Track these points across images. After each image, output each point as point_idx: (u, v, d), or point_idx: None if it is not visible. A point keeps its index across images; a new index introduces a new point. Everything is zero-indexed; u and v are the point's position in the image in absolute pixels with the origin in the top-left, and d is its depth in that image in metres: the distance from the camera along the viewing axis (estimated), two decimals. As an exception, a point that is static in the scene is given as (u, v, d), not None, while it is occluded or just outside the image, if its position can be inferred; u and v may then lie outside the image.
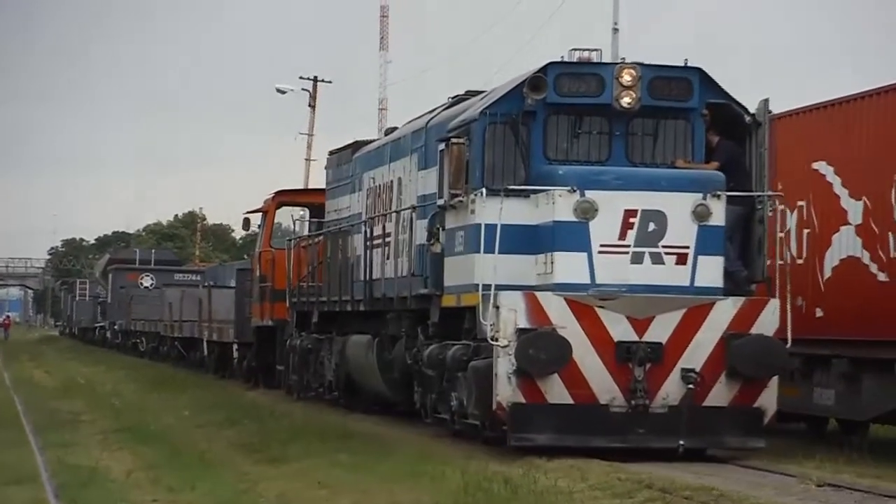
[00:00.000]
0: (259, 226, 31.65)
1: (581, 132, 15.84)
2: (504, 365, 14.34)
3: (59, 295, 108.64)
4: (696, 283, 14.70)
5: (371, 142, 24.52)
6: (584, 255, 14.57)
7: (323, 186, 27.64)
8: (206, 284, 44.25)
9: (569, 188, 14.58)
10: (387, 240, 20.92)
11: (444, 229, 17.59)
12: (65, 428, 23.16)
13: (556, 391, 14.41)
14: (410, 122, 22.06)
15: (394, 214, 20.53)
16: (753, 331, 14.58)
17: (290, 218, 30.66)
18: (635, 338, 14.43)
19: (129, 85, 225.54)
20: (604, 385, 14.38)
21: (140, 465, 17.06)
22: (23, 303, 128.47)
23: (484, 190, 15.25)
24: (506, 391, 14.35)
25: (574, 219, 14.53)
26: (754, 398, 14.69)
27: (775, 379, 14.84)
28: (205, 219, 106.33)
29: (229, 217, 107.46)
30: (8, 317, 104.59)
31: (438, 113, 19.89)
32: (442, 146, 16.96)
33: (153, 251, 76.88)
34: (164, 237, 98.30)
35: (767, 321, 14.66)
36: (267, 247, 30.53)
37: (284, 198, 31.31)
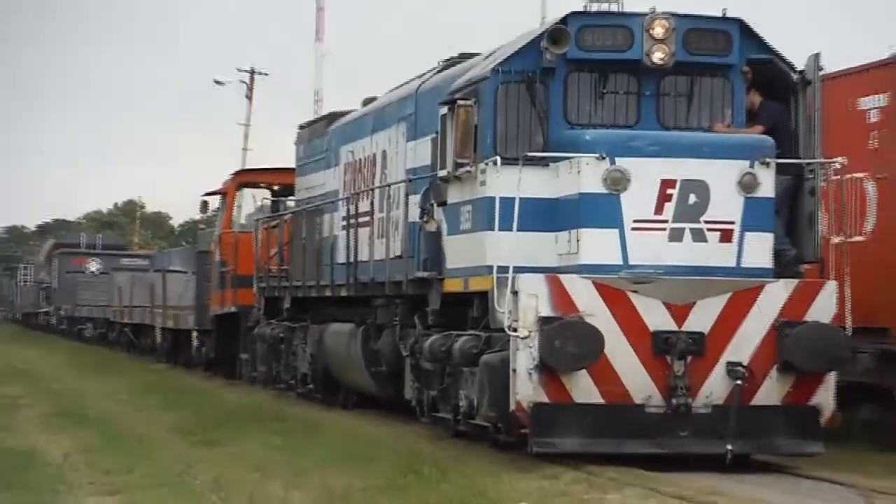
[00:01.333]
0: (218, 208, 31.40)
1: (606, 92, 14.29)
2: (524, 359, 12.77)
3: (1, 281, 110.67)
4: (743, 264, 13.24)
5: (348, 112, 22.85)
6: (616, 231, 13.02)
7: (285, 166, 27.41)
8: (157, 269, 43.17)
9: (597, 155, 12.99)
10: (371, 218, 19.01)
11: (442, 204, 15.92)
12: (2, 412, 23.50)
13: (584, 389, 12.86)
14: (395, 89, 20.60)
15: (378, 190, 18.89)
16: (808, 317, 13.10)
17: (252, 199, 29.93)
18: (674, 327, 12.94)
19: (65, 76, 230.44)
20: (638, 382, 12.86)
21: (78, 449, 17.41)
22: None
23: (498, 158, 13.65)
24: (526, 389, 12.77)
25: (603, 190, 13.01)
26: (810, 395, 13.21)
27: (833, 374, 13.34)
28: (143, 207, 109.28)
29: (167, 205, 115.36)
30: None
31: (429, 77, 18.52)
32: (444, 110, 15.36)
33: (99, 236, 76.94)
34: (104, 225, 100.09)
35: (824, 306, 13.18)
36: (228, 229, 29.94)
37: (245, 178, 30.84)
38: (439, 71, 18.49)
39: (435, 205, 16.59)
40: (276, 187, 29.24)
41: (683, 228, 13.05)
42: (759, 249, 13.28)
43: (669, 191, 13.04)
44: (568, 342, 12.55)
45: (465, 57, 17.98)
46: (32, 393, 29.02)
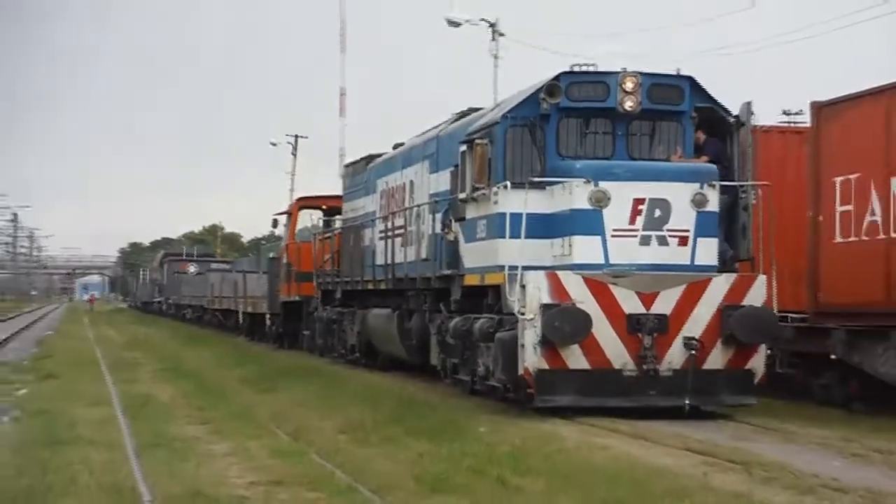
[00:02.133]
0: (285, 224, 33.55)
1: (588, 132, 15.58)
2: (530, 336, 14.06)
3: (127, 279, 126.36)
4: (696, 262, 14.39)
5: (382, 154, 24.37)
6: (599, 238, 14.24)
7: (330, 194, 30.42)
8: (238, 270, 47.19)
9: (585, 179, 14.22)
10: (398, 231, 20.98)
11: (461, 220, 17.42)
12: (128, 369, 26.25)
13: (576, 358, 14.10)
14: (419, 135, 22.10)
15: (407, 210, 20.63)
16: (745, 303, 14.20)
17: (309, 218, 31.79)
18: (643, 310, 14.11)
19: (168, 129, 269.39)
20: (617, 352, 14.09)
21: (179, 394, 19.86)
22: (102, 285, 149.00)
23: (508, 183, 14.95)
24: (532, 359, 14.07)
25: (589, 207, 14.20)
26: (746, 361, 14.36)
27: (764, 345, 14.39)
28: (223, 229, 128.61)
29: (240, 228, 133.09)
30: (92, 295, 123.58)
31: (447, 126, 20.26)
32: (464, 148, 16.77)
33: (195, 248, 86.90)
34: (196, 241, 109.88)
35: (757, 294, 14.35)
36: (292, 240, 32.60)
37: (305, 202, 33.55)
38: (454, 121, 19.91)
39: (453, 220, 18.43)
40: (324, 208, 31.47)
41: (651, 235, 14.23)
42: (708, 251, 14.43)
43: (640, 207, 14.18)
44: (565, 323, 13.79)
45: (473, 110, 19.47)
46: (148, 356, 31.55)
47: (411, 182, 21.37)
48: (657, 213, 14.25)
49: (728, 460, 11.18)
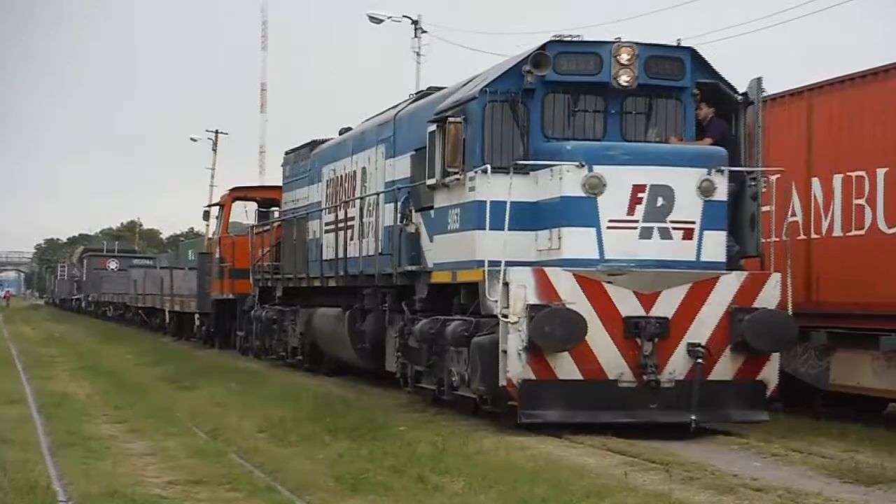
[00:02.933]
0: (217, 217, 30.48)
1: (578, 110, 12.93)
2: (514, 341, 11.55)
3: (44, 276, 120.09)
4: (702, 258, 12.03)
5: (328, 140, 21.51)
6: (593, 230, 11.79)
7: (266, 184, 29.63)
8: (163, 266, 44.71)
9: (577, 163, 11.77)
10: (349, 223, 18.22)
11: (424, 210, 14.75)
12: (44, 366, 25.57)
13: (566, 367, 11.63)
14: (372, 117, 19.31)
15: (360, 200, 17.74)
16: (756, 304, 11.91)
17: (243, 210, 29.13)
18: (642, 313, 11.71)
19: (76, 124, 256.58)
20: (612, 360, 11.66)
21: (96, 391, 19.25)
22: (17, 282, 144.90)
23: (489, 167, 12.35)
24: (516, 368, 11.54)
25: (582, 194, 11.77)
26: (757, 371, 12.05)
27: (777, 353, 12.10)
28: (141, 225, 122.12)
29: (158, 225, 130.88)
30: (8, 291, 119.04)
31: (405, 106, 17.40)
32: (432, 128, 14.02)
33: (116, 243, 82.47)
34: (115, 237, 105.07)
35: (770, 295, 11.99)
36: (225, 233, 29.72)
37: (238, 193, 30.60)
38: (413, 101, 17.46)
39: (413, 210, 15.74)
40: (259, 199, 29.01)
41: (652, 227, 11.84)
42: (715, 246, 12.13)
43: (640, 194, 11.83)
44: (556, 327, 11.39)
45: (435, 89, 17.06)
46: (65, 353, 30.49)
47: (363, 169, 18.50)
48: (660, 201, 11.84)
49: (648, 460, 10.43)
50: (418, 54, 38.45)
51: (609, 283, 11.80)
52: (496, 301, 11.93)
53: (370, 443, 11.63)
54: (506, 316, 11.58)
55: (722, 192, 12.21)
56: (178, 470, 10.96)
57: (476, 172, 12.83)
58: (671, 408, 11.73)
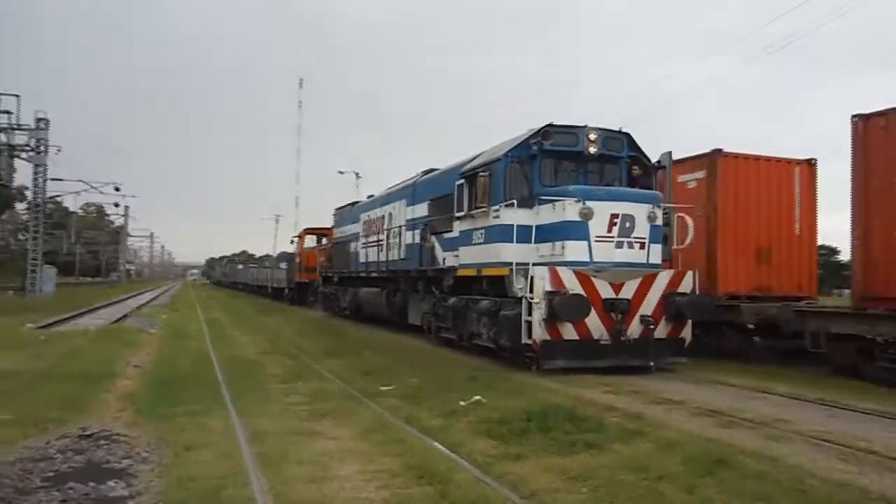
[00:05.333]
0: (297, 242, 41.80)
1: (561, 168, 14.32)
2: (537, 315, 12.46)
3: (208, 272, 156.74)
4: (650, 261, 13.37)
5: (360, 201, 27.89)
6: (586, 242, 12.96)
7: (320, 227, 38.06)
8: (267, 266, 63.18)
9: (576, 199, 12.97)
10: (378, 243, 23.23)
11: (439, 233, 16.97)
12: (207, 308, 37.86)
13: (569, 332, 12.62)
14: (393, 186, 22.66)
15: (389, 230, 21.65)
16: (680, 290, 13.49)
17: (310, 239, 40.45)
18: (614, 295, 12.90)
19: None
20: (597, 327, 12.82)
21: (228, 318, 30.86)
22: (198, 273, 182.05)
23: (515, 202, 13.43)
24: (538, 332, 12.47)
25: (579, 219, 12.92)
26: (680, 332, 13.50)
27: (690, 320, 13.69)
28: (247, 251, 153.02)
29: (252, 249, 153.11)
30: (195, 277, 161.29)
31: (418, 178, 19.81)
32: (461, 181, 15.31)
33: (240, 258, 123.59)
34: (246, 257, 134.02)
35: (687, 283, 13.57)
36: (302, 250, 39.69)
37: (308, 231, 40.39)
38: (423, 175, 19.92)
39: (429, 234, 17.20)
40: (317, 234, 39.39)
41: (623, 241, 13.11)
42: (656, 253, 13.40)
43: (615, 220, 12.97)
44: (575, 306, 12.57)
45: (432, 170, 19.57)
46: (214, 303, 46.41)
47: (390, 214, 21.17)
48: (627, 224, 12.99)
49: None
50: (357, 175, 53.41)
51: (595, 276, 12.63)
52: (521, 288, 12.62)
53: (342, 337, 20.00)
54: (531, 299, 12.55)
55: (659, 220, 13.31)
56: (259, 346, 17.95)
57: (501, 206, 13.48)
58: (634, 356, 12.96)
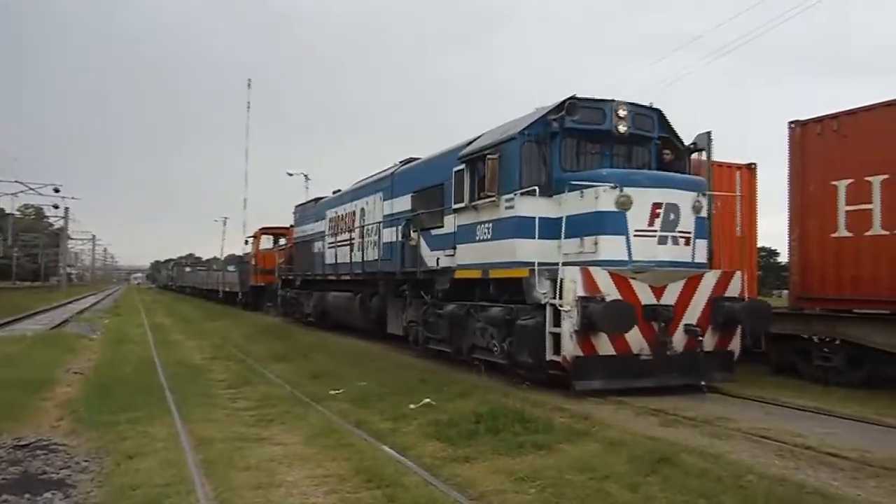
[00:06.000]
0: (252, 243, 37.65)
1: (583, 150, 12.04)
2: (567, 325, 10.12)
3: (154, 275, 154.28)
4: (695, 260, 11.12)
5: (324, 197, 24.34)
6: (623, 237, 10.64)
7: (277, 226, 35.51)
8: (216, 269, 58.93)
9: (611, 184, 10.64)
10: (347, 242, 20.41)
11: (426, 229, 14.46)
12: (152, 313, 35.25)
13: (604, 345, 10.31)
14: (365, 179, 19.96)
15: (363, 228, 18.84)
16: (727, 294, 11.28)
17: (267, 240, 36.77)
18: (655, 301, 10.63)
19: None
20: (637, 339, 10.46)
21: (173, 322, 29.56)
22: (142, 277, 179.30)
23: (537, 188, 11.12)
24: (569, 347, 10.13)
25: (615, 209, 10.63)
26: (728, 343, 11.30)
27: (739, 328, 11.46)
28: (193, 254, 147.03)
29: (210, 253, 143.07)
30: (139, 281, 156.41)
31: (397, 169, 17.17)
32: (460, 167, 12.94)
33: (187, 262, 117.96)
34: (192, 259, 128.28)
35: (735, 286, 11.36)
36: (258, 251, 35.81)
37: (264, 231, 36.50)
38: (403, 165, 17.36)
39: (412, 231, 14.70)
40: (274, 234, 35.91)
41: (666, 236, 10.83)
42: (702, 250, 11.17)
43: (658, 210, 10.71)
44: (618, 315, 10.31)
45: (413, 159, 17.10)
46: (157, 306, 45.14)
47: (362, 209, 18.51)
48: (671, 216, 10.79)
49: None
50: (306, 177, 48.63)
51: (633, 278, 10.41)
52: (545, 293, 10.34)
53: (290, 341, 19.30)
54: (561, 306, 10.31)
55: (705, 211, 11.06)
56: (205, 350, 17.11)
57: (516, 195, 11.10)
58: (679, 373, 10.74)
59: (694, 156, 12.59)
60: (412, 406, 9.10)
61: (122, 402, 9.35)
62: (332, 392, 10.38)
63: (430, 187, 14.41)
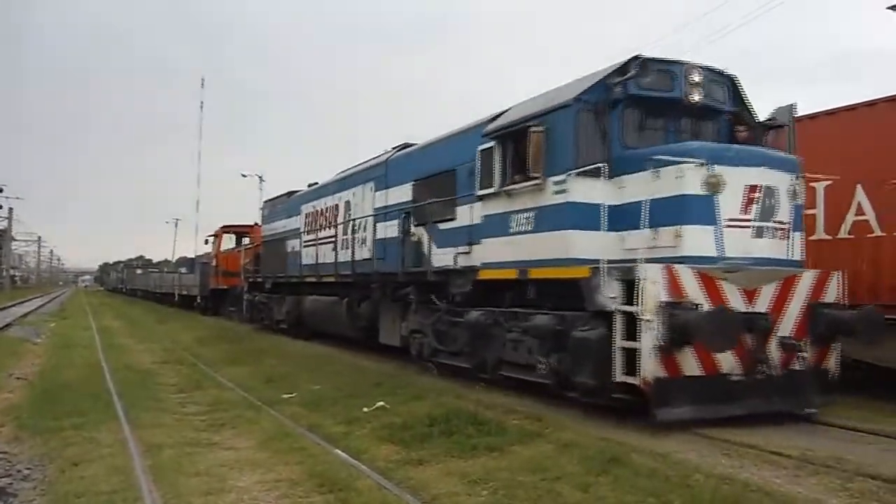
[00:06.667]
0: (213, 242, 33.27)
1: (649, 122, 9.72)
2: (648, 339, 7.79)
3: (102, 277, 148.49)
4: (792, 257, 8.92)
5: (299, 190, 21.20)
6: (712, 228, 8.31)
7: (241, 223, 32.78)
8: (179, 271, 50.56)
9: (700, 161, 8.32)
10: (330, 240, 17.38)
11: (434, 223, 11.92)
12: (99, 316, 34.47)
13: (690, 364, 8.02)
14: (349, 168, 17.32)
15: (349, 223, 16.22)
16: (824, 299, 9.09)
17: (229, 239, 33.12)
18: (747, 307, 8.42)
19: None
20: (727, 356, 8.23)
21: (124, 325, 27.74)
22: (91, 279, 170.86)
23: (603, 167, 8.83)
24: (650, 366, 7.79)
25: (702, 192, 8.28)
26: (825, 360, 9.10)
27: (839, 343, 9.24)
28: (144, 256, 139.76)
29: (154, 255, 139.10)
30: (86, 284, 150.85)
31: (392, 155, 14.70)
32: (487, 145, 10.56)
33: (138, 263, 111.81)
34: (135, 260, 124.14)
35: (833, 290, 9.15)
36: (219, 251, 31.83)
37: (226, 229, 32.68)
38: (398, 150, 14.85)
39: (413, 224, 12.73)
40: (237, 232, 32.61)
41: (763, 227, 8.56)
42: (799, 245, 9.02)
43: (754, 195, 8.47)
44: (724, 328, 7.91)
45: (408, 144, 14.78)
46: (111, 308, 44.79)
47: (347, 202, 16.04)
48: (768, 202, 8.61)
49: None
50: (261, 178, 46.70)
51: (724, 279, 8.26)
52: (614, 297, 8.17)
53: (246, 343, 18.76)
54: (641, 314, 8.11)
55: (802, 196, 9.09)
56: (156, 354, 16.71)
57: (569, 175, 8.92)
58: (780, 398, 8.68)
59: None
60: (366, 409, 8.92)
61: (67, 407, 9.03)
62: (285, 396, 10.17)
63: (438, 174, 12.24)
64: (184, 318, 29.23)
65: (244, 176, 47.91)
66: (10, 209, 62.74)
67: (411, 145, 14.37)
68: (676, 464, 6.45)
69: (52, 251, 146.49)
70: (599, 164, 8.68)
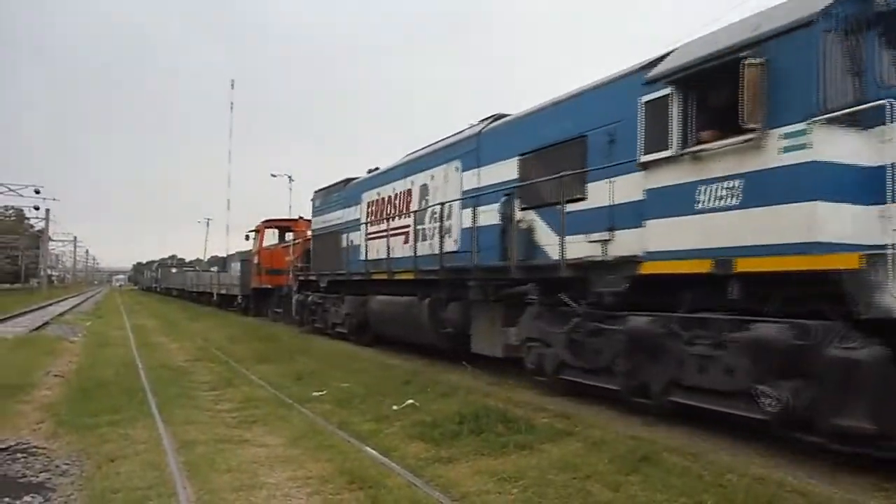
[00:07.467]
0: (254, 238, 30.09)
1: None
2: None
3: (136, 277, 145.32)
4: None
5: (358, 177, 18.67)
6: None
7: (284, 217, 30.97)
8: (212, 269, 49.71)
9: None
10: (403, 230, 14.92)
11: (549, 205, 9.24)
12: (134, 314, 34.22)
13: None
14: (422, 148, 15.10)
15: (417, 212, 14.13)
16: None
17: (272, 234, 30.11)
18: None
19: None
20: None
21: (158, 325, 26.76)
22: (125, 279, 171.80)
23: (871, 106, 6.05)
24: None
25: None
26: None
27: None
28: (176, 255, 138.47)
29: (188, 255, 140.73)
30: (122, 283, 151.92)
31: (486, 127, 12.34)
32: (658, 93, 7.79)
33: (172, 262, 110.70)
34: (179, 262, 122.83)
35: None
36: (261, 247, 28.74)
37: (268, 224, 29.91)
38: (494, 121, 12.50)
39: (520, 207, 10.38)
40: (280, 227, 29.91)
41: None
42: None
43: None
44: None
45: (502, 115, 12.48)
46: (142, 307, 43.54)
47: (423, 186, 13.89)
48: None
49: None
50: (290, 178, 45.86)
51: None
52: None
53: (274, 343, 18.12)
54: None
55: None
56: (188, 353, 16.33)
57: (811, 125, 6.13)
58: None
59: None
60: (395, 407, 8.69)
61: (103, 404, 8.96)
62: (316, 393, 9.94)
63: (558, 143, 9.78)
64: (217, 317, 28.35)
65: (274, 176, 46.10)
66: (48, 210, 61.71)
67: (504, 115, 12.07)
68: (709, 463, 6.19)
69: (87, 251, 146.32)
70: (858, 108, 6.02)
